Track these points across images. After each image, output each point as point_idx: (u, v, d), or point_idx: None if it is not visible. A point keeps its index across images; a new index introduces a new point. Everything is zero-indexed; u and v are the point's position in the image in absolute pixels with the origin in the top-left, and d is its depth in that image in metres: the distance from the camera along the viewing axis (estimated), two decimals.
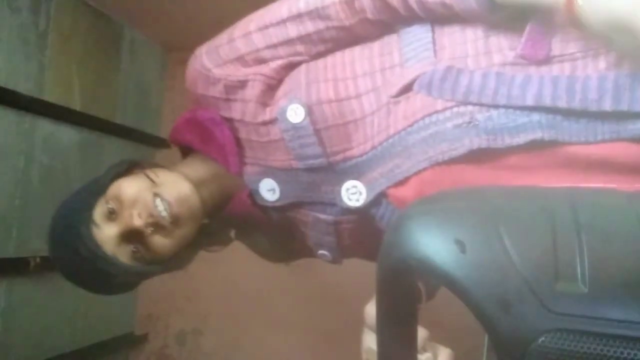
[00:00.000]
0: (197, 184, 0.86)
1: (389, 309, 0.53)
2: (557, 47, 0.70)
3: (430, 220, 0.47)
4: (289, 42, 0.81)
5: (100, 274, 0.83)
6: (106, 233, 0.83)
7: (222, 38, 0.85)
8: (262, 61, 0.82)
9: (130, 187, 0.84)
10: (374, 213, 0.81)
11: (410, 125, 0.75)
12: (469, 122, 0.71)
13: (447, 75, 0.73)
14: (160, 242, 0.83)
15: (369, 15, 0.77)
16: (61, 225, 0.86)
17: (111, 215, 0.83)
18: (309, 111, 0.79)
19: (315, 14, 0.79)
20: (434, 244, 0.44)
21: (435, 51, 0.77)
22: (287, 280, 2.11)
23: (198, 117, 0.89)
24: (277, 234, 0.94)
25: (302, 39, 0.81)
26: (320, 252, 0.90)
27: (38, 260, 1.67)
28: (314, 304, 2.08)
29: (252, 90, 0.82)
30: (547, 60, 0.70)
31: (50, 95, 1.76)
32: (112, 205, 0.83)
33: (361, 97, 0.79)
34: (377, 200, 0.79)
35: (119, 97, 2.08)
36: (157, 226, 0.82)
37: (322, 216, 0.85)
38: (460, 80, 0.72)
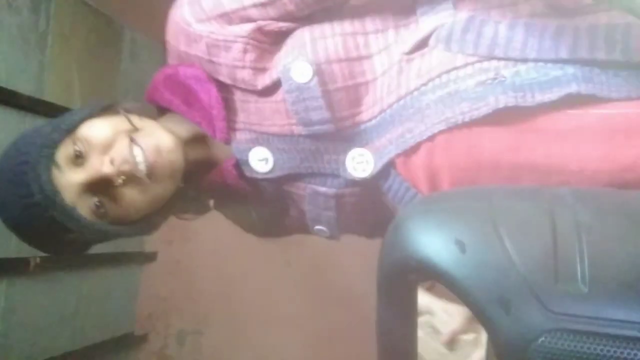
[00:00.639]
0: (180, 141, 0.77)
1: (389, 308, 0.53)
2: None
3: (431, 221, 0.47)
4: (277, 1, 0.71)
5: (52, 226, 0.71)
6: (68, 178, 0.71)
7: None
8: (249, 19, 0.72)
9: (105, 128, 0.73)
10: (380, 185, 0.73)
11: (425, 84, 0.67)
12: (494, 79, 0.63)
13: (469, 26, 0.66)
14: (131, 196, 0.72)
15: None
16: (15, 160, 0.72)
17: (77, 159, 0.71)
18: (317, 70, 0.69)
19: None
20: (434, 244, 0.44)
21: (454, 3, 0.69)
22: (288, 279, 2.11)
23: (180, 74, 0.77)
24: (265, 208, 0.85)
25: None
26: (317, 227, 0.82)
27: (38, 260, 1.67)
28: (314, 304, 2.08)
29: (245, 55, 0.73)
30: (580, 9, 0.63)
31: (50, 95, 1.76)
32: (79, 147, 0.71)
33: (373, 57, 0.71)
34: (385, 170, 0.72)
35: (119, 97, 2.08)
36: (131, 177, 0.71)
37: (322, 189, 0.76)
38: (484, 31, 0.65)
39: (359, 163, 0.73)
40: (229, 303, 2.19)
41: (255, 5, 0.71)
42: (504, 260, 0.42)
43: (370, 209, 0.79)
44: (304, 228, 0.85)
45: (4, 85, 1.58)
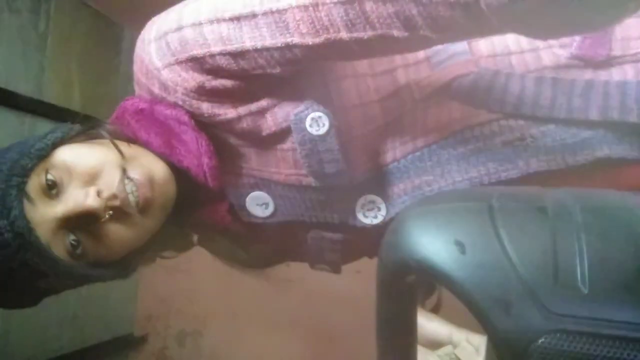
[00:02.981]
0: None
1: (389, 310, 0.53)
2: (617, 45, 0.60)
3: (430, 221, 0.46)
4: (245, 53, 0.58)
5: (21, 271, 0.60)
6: (42, 213, 0.60)
7: (172, 20, 0.63)
8: (220, 69, 0.61)
9: (89, 156, 0.63)
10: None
11: (445, 138, 0.63)
12: (522, 140, 0.60)
13: (495, 82, 0.61)
14: (117, 232, 0.63)
15: (343, 35, 0.53)
16: None
17: (50, 190, 0.61)
18: (334, 120, 0.62)
19: (271, 19, 0.56)
20: (433, 245, 0.44)
21: (471, 48, 0.64)
22: (288, 280, 2.11)
23: (156, 113, 0.66)
24: (261, 246, 0.79)
25: (261, 52, 0.58)
26: (319, 266, 0.77)
27: None
28: (314, 305, 2.08)
29: (238, 109, 0.64)
30: (606, 62, 0.60)
31: (50, 96, 1.76)
32: (53, 176, 0.61)
33: (384, 100, 0.65)
34: None
35: (119, 97, 2.07)
36: (119, 212, 0.62)
37: (328, 234, 0.70)
38: (509, 87, 0.61)
39: (370, 210, 0.67)
40: (229, 304, 2.19)
41: (223, 54, 0.59)
42: (503, 261, 0.41)
43: (376, 246, 0.75)
44: (300, 259, 0.80)
45: (3, 85, 1.58)
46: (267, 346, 2.12)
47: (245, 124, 0.64)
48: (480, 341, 0.64)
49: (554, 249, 0.42)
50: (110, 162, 0.63)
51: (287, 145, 0.64)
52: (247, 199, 0.69)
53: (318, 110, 0.61)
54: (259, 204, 0.69)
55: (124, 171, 0.63)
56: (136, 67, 0.68)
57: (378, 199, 0.66)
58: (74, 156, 0.63)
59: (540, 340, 0.39)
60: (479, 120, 0.62)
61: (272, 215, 0.69)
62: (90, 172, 0.62)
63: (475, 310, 0.41)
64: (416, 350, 0.56)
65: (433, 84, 0.64)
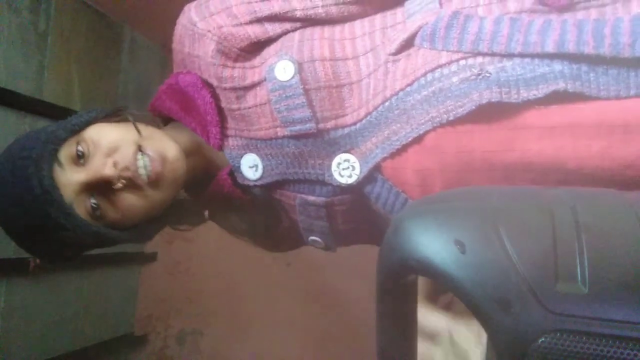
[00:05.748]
0: (183, 151, 0.77)
1: (389, 309, 0.53)
2: None
3: (430, 221, 0.46)
4: (275, 16, 0.73)
5: (47, 223, 0.70)
6: (68, 176, 0.70)
7: None
8: (252, 13, 0.74)
9: (112, 133, 0.73)
10: (368, 192, 0.71)
11: (410, 84, 0.65)
12: (478, 74, 0.61)
13: (453, 22, 0.64)
14: (129, 201, 0.72)
15: None
16: (17, 154, 0.71)
17: (79, 159, 0.72)
18: (300, 68, 0.69)
19: None
20: (433, 245, 0.44)
21: (441, 3, 0.68)
22: (287, 280, 2.11)
23: (180, 82, 0.78)
24: (260, 218, 0.84)
25: (286, 14, 0.73)
26: (312, 238, 0.80)
27: (38, 261, 1.67)
28: (314, 304, 2.08)
29: (241, 43, 0.74)
30: (570, 6, 0.61)
31: (50, 95, 1.76)
32: (83, 147, 0.72)
33: (358, 58, 0.70)
34: (372, 175, 0.69)
35: (119, 97, 2.08)
36: (131, 183, 0.71)
37: (311, 198, 0.74)
38: (468, 27, 0.63)
39: (345, 169, 0.71)
40: (229, 303, 2.19)
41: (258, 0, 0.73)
42: (503, 261, 0.41)
43: (362, 219, 0.76)
44: (299, 240, 0.83)
45: (3, 85, 1.58)
46: (267, 345, 2.12)
47: (236, 71, 0.74)
48: (480, 328, 0.62)
49: (554, 249, 0.42)
50: (128, 139, 0.73)
51: (264, 98, 0.72)
52: (242, 161, 0.77)
53: (286, 59, 0.70)
54: (250, 167, 0.76)
55: (139, 147, 0.72)
56: (174, 43, 0.79)
57: (352, 157, 0.70)
58: (100, 133, 0.73)
59: (540, 340, 0.39)
60: (439, 62, 0.64)
61: (262, 177, 0.76)
62: (110, 146, 0.72)
63: (476, 310, 0.41)
64: (416, 349, 0.56)
65: (402, 36, 0.68)
